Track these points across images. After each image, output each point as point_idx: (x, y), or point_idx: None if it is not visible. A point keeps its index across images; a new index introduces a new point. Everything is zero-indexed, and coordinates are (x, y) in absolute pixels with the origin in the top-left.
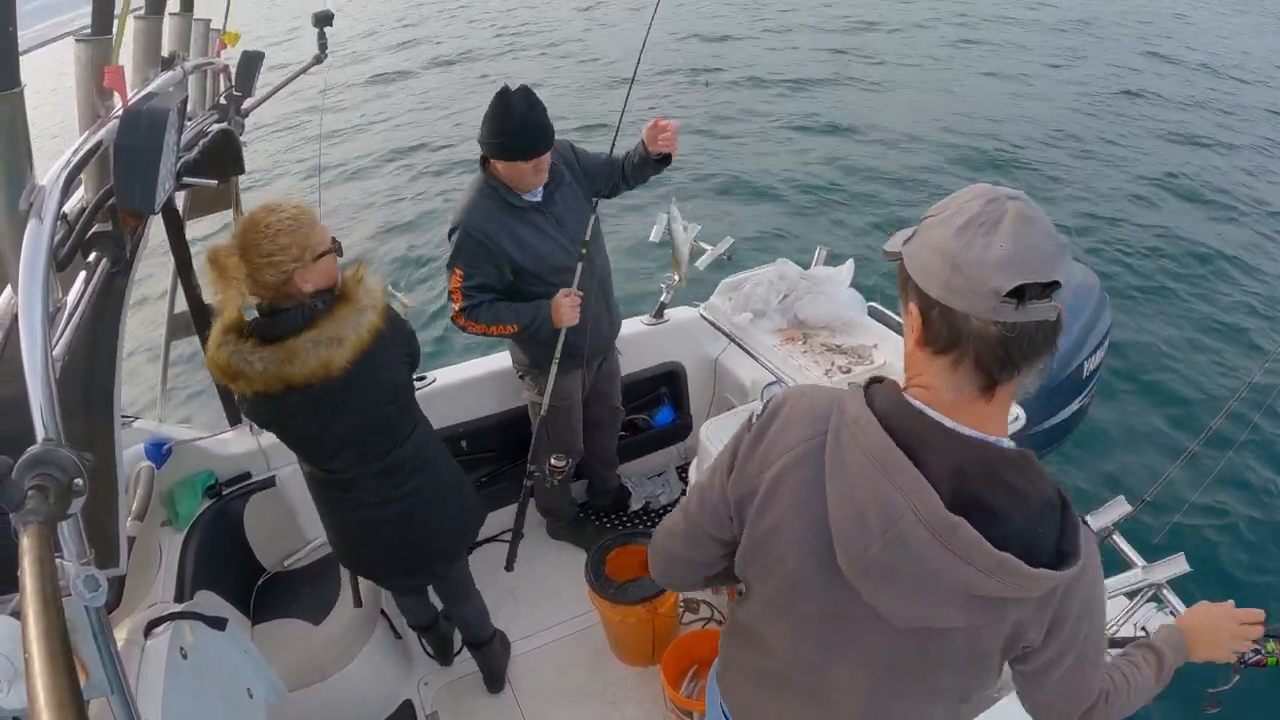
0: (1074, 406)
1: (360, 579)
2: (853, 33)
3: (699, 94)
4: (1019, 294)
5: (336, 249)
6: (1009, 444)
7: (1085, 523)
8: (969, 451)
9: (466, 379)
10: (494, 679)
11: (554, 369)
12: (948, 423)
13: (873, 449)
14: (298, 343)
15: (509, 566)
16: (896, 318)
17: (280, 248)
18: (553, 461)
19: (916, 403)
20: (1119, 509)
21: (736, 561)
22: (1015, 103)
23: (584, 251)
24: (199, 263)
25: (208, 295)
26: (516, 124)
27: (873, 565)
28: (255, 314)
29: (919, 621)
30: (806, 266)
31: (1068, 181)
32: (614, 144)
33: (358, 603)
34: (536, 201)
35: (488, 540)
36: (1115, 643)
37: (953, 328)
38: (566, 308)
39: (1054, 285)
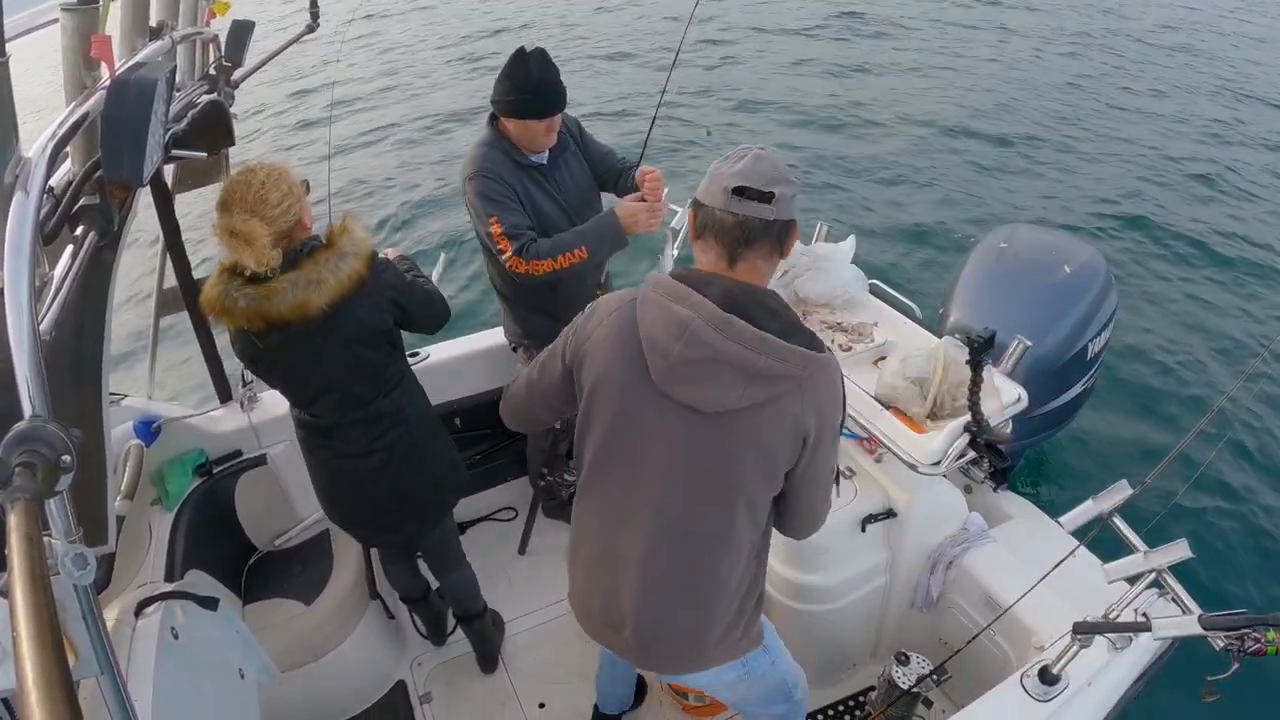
0: (1078, 389)
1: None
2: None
3: (700, 136)
4: (741, 192)
5: (305, 187)
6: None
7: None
8: (734, 284)
9: (460, 355)
10: (486, 658)
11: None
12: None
13: (667, 289)
14: (278, 282)
15: (522, 550)
16: (898, 296)
17: (284, 193)
18: (566, 476)
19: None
20: (1121, 492)
21: (577, 429)
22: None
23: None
24: (188, 237)
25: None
26: (534, 82)
27: (678, 364)
28: None
29: (720, 404)
30: (807, 242)
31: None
32: (643, 152)
33: (373, 595)
34: (542, 164)
35: (483, 519)
36: (1115, 627)
37: (704, 217)
38: (644, 212)
39: (769, 195)
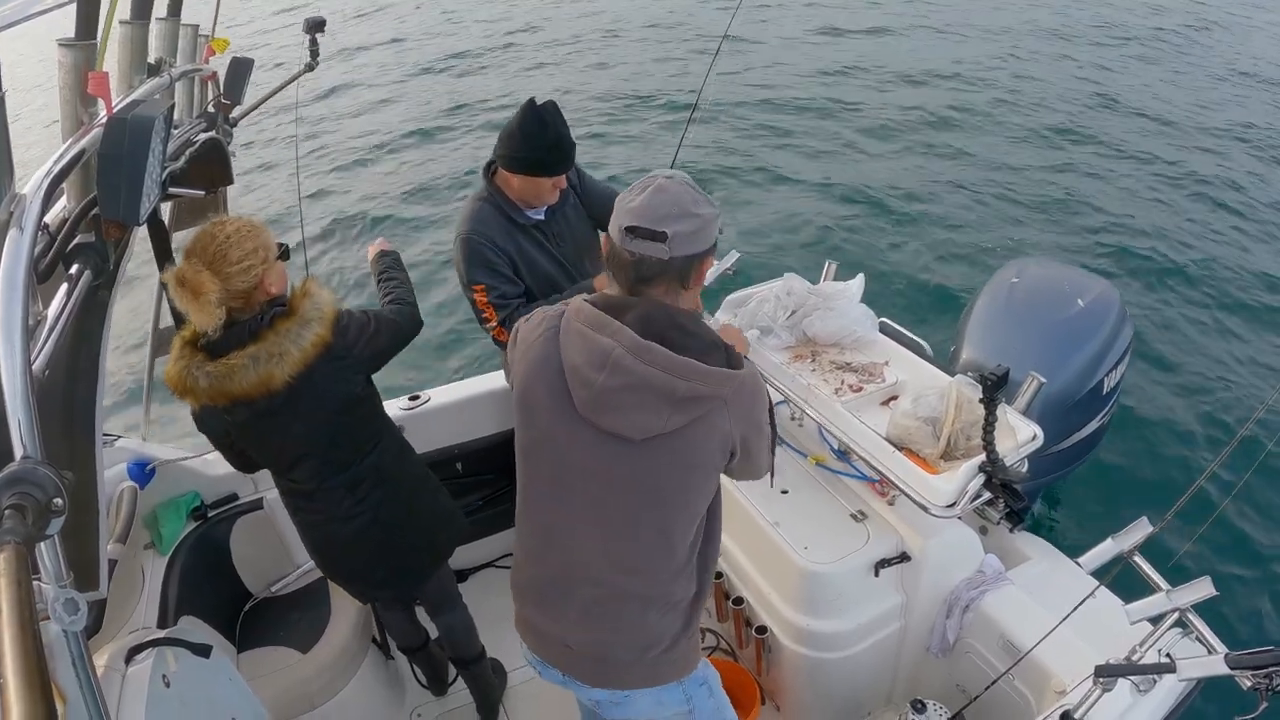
0: (1094, 425)
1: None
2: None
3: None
4: (633, 231)
5: (284, 253)
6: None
7: (748, 359)
8: (651, 308)
9: (462, 399)
10: (486, 707)
11: None
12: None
13: (588, 319)
14: (238, 358)
15: None
16: (909, 334)
17: (247, 252)
18: None
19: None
20: (1141, 530)
21: (516, 445)
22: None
23: None
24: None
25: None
26: (551, 139)
27: (602, 394)
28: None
29: (646, 430)
30: (815, 281)
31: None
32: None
33: (388, 655)
34: (539, 219)
35: (486, 565)
36: (1139, 669)
37: (610, 251)
38: None
39: (662, 235)
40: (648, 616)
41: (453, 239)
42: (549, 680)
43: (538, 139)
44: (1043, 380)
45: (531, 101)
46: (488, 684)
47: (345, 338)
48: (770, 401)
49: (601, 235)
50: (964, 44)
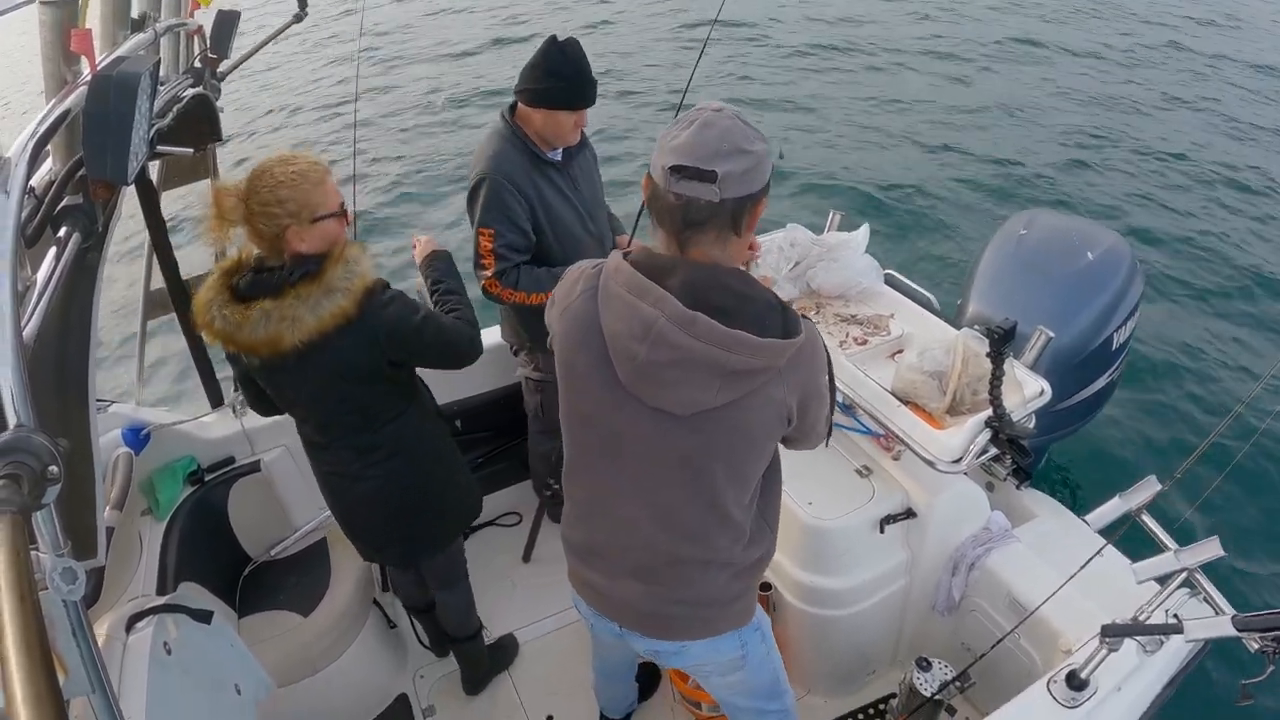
0: (1103, 381)
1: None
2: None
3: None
4: (679, 171)
5: (341, 214)
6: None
7: (807, 318)
8: (695, 270)
9: None
10: (471, 682)
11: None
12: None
13: (627, 282)
14: (251, 311)
15: (526, 558)
16: (915, 286)
17: (278, 200)
18: None
19: (655, 249)
20: (1149, 489)
21: (559, 402)
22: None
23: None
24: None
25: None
26: (574, 70)
27: (645, 368)
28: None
29: (694, 405)
30: (819, 232)
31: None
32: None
33: (385, 587)
34: (557, 160)
35: (486, 524)
36: (1145, 629)
37: (652, 193)
38: None
39: (711, 174)
40: (708, 577)
41: (471, 178)
42: (603, 632)
43: (561, 71)
44: (1051, 334)
45: (553, 37)
46: (477, 662)
47: (376, 315)
48: (830, 362)
49: (643, 177)
50: None
